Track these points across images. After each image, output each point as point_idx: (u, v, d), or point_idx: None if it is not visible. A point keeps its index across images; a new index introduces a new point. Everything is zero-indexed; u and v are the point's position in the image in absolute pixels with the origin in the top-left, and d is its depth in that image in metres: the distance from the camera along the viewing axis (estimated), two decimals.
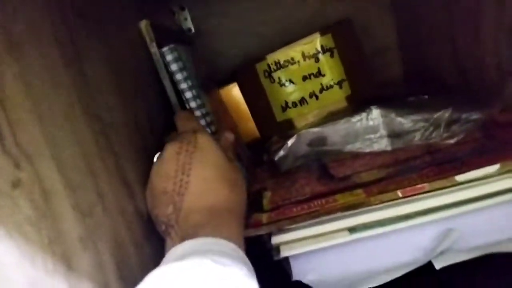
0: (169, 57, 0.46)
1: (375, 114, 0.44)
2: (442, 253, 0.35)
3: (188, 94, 0.46)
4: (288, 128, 0.59)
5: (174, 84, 0.49)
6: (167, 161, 0.35)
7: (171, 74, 0.46)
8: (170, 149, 0.36)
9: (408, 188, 0.34)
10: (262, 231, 0.36)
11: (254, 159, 0.56)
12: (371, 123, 0.44)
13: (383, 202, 0.34)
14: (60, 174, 0.25)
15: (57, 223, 0.24)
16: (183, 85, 0.46)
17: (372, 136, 0.44)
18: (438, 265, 0.34)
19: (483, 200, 0.35)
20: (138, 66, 0.47)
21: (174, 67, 0.46)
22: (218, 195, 0.34)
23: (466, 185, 0.34)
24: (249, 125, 0.61)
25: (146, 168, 0.39)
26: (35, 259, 0.21)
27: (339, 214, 0.36)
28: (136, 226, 0.34)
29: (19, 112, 0.23)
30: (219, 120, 0.54)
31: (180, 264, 0.25)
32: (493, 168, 0.33)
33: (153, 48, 0.48)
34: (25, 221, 0.21)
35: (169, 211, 0.33)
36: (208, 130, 0.46)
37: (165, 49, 0.45)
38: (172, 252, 0.28)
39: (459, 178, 0.33)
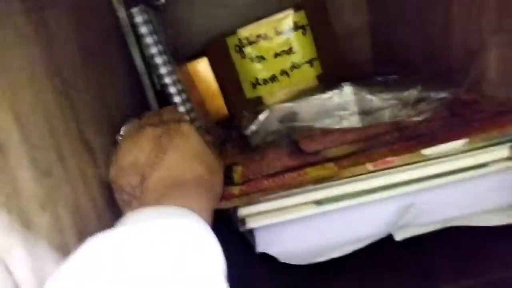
0: (138, 19, 0.43)
1: (347, 91, 0.44)
2: (402, 226, 0.36)
3: (159, 59, 0.44)
4: (257, 106, 0.58)
5: (142, 52, 0.47)
6: (145, 139, 0.34)
7: (140, 38, 0.44)
8: (151, 131, 0.35)
9: (378, 161, 0.34)
10: (235, 203, 0.35)
11: (222, 135, 0.55)
12: (342, 100, 0.44)
13: (354, 175, 0.34)
14: (18, 128, 0.23)
15: (14, 180, 0.22)
16: (153, 49, 0.44)
17: (342, 112, 0.44)
18: (398, 237, 0.35)
19: (446, 176, 0.36)
20: (104, 34, 0.44)
21: (143, 29, 0.43)
22: (192, 174, 0.33)
23: (431, 161, 0.35)
24: (218, 102, 0.60)
25: (110, 137, 0.38)
26: None
27: (306, 187, 0.36)
28: (97, 193, 0.32)
29: None
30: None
31: (136, 226, 0.23)
32: (459, 143, 0.34)
33: (122, 13, 0.46)
34: None
35: (135, 182, 0.32)
36: (179, 97, 0.45)
37: (134, 10, 0.43)
38: (128, 216, 0.25)
39: (426, 152, 0.34)
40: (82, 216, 0.28)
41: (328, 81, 0.57)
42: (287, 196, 0.36)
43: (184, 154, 0.34)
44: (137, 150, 0.34)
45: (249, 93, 0.59)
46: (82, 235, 0.27)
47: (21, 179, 0.23)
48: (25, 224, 0.22)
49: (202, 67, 0.59)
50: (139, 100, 0.49)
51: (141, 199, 0.31)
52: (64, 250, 0.25)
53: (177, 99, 0.46)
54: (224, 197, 0.35)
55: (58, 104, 0.29)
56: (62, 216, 0.26)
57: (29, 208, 0.23)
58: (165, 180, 0.32)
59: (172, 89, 0.45)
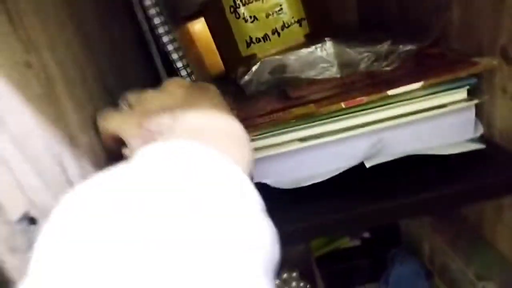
0: None
1: (329, 45, 0.50)
2: (372, 156, 0.43)
3: (157, 20, 0.49)
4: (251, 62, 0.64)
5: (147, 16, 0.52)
6: (173, 87, 0.32)
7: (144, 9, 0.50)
8: (179, 81, 0.33)
9: (350, 101, 0.40)
10: None
11: (219, 89, 0.61)
12: (325, 53, 0.50)
13: (329, 112, 0.41)
14: (58, 67, 0.30)
15: (59, 106, 0.29)
16: (152, 11, 0.49)
17: (325, 65, 0.50)
18: (368, 164, 0.42)
19: (410, 115, 0.43)
20: (115, 5, 0.50)
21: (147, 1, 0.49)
22: (227, 127, 0.29)
23: (397, 103, 0.42)
24: (215, 59, 0.66)
25: (125, 83, 0.44)
26: (45, 129, 0.26)
27: (292, 127, 0.43)
28: None
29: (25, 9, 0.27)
30: (187, 54, 0.59)
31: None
32: (418, 85, 0.40)
33: None
34: (36, 97, 0.26)
35: (166, 121, 0.28)
36: (180, 63, 0.51)
37: None
38: (148, 149, 0.22)
39: (390, 92, 0.41)
40: None
41: (316, 40, 0.63)
42: (277, 135, 0.43)
43: (218, 106, 0.31)
44: (166, 95, 0.31)
45: (243, 51, 0.65)
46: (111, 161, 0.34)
47: (64, 106, 0.29)
48: (70, 141, 0.29)
49: (200, 27, 0.65)
50: (148, 67, 0.55)
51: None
52: (100, 166, 0.32)
53: (174, 55, 0.52)
54: None
55: (85, 54, 0.35)
56: (96, 141, 0.32)
57: (72, 130, 0.29)
58: (198, 124, 0.28)
59: (169, 47, 0.51)
